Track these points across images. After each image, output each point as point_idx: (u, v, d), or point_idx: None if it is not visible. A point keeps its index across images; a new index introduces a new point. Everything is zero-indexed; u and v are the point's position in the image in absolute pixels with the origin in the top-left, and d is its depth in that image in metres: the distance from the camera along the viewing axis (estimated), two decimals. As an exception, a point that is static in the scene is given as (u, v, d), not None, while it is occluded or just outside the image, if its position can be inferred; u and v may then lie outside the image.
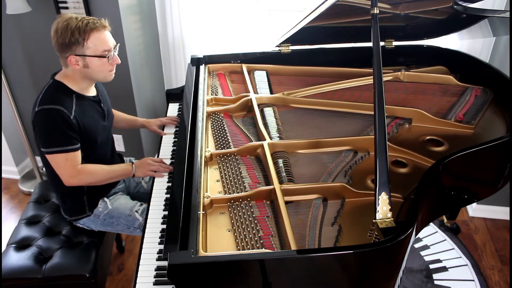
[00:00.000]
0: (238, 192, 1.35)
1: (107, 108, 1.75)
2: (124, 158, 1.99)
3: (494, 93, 1.87)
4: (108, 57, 1.53)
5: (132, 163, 1.73)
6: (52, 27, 1.50)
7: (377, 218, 1.12)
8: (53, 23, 1.50)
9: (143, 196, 1.93)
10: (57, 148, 1.50)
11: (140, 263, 1.34)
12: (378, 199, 1.13)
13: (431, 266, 2.21)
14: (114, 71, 1.61)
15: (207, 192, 1.34)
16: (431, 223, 2.39)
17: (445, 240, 2.38)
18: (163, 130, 2.05)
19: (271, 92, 1.95)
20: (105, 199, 1.76)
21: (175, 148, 1.93)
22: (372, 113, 1.27)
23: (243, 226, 1.22)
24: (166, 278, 1.02)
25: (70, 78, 1.57)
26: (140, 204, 1.77)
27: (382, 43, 2.08)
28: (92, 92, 1.66)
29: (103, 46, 1.51)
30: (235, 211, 1.28)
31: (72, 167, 1.54)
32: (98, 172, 1.62)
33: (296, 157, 1.54)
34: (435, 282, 2.12)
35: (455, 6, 1.79)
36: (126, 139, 2.80)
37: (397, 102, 1.85)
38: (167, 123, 2.06)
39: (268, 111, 1.78)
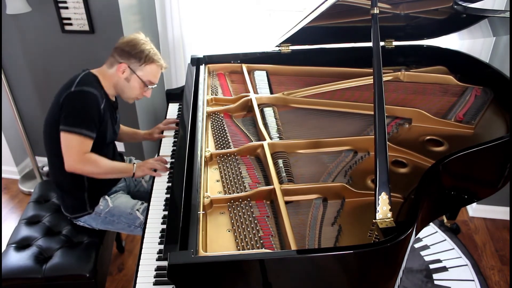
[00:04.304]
0: (238, 192, 1.35)
1: (118, 117, 1.82)
2: (125, 157, 1.99)
3: (494, 93, 1.87)
4: (146, 87, 1.70)
5: (134, 163, 1.73)
6: (128, 36, 1.67)
7: (377, 218, 1.12)
8: (134, 34, 1.68)
9: (143, 195, 1.93)
10: (77, 128, 1.52)
11: (140, 263, 1.34)
12: (378, 199, 1.13)
13: (431, 266, 2.21)
14: (137, 100, 1.77)
15: (207, 192, 1.34)
16: (431, 223, 2.39)
17: (445, 240, 2.38)
18: (162, 133, 2.06)
19: (271, 92, 1.95)
20: (106, 197, 1.77)
21: (175, 148, 1.93)
22: (372, 113, 1.27)
23: (243, 226, 1.22)
24: (166, 278, 1.02)
25: (104, 78, 1.66)
26: (141, 203, 1.77)
27: (382, 43, 2.08)
28: (113, 98, 1.75)
29: (151, 78, 1.69)
30: (235, 211, 1.28)
31: (81, 152, 1.55)
32: (102, 164, 1.62)
33: (296, 157, 1.54)
34: (435, 282, 2.12)
35: (455, 6, 1.79)
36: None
37: (397, 102, 1.85)
38: (165, 128, 2.06)
39: (268, 111, 1.78)
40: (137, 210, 1.73)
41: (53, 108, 1.60)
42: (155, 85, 1.73)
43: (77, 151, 1.54)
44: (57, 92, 1.60)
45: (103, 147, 1.69)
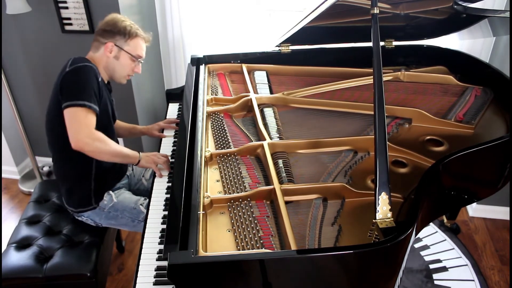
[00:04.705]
0: (238, 192, 1.35)
1: (114, 100, 1.83)
2: None
3: (494, 93, 1.87)
4: (136, 62, 1.73)
5: (140, 152, 1.73)
6: (107, 16, 1.70)
7: (377, 218, 1.12)
8: (111, 14, 1.71)
9: (143, 193, 1.94)
10: (80, 101, 1.50)
11: (140, 263, 1.34)
12: (378, 199, 1.13)
13: (431, 266, 2.21)
14: (130, 78, 1.79)
15: (207, 192, 1.34)
16: (431, 223, 2.39)
17: (445, 240, 2.38)
18: (163, 132, 2.06)
19: (271, 92, 1.95)
20: (110, 192, 1.77)
21: (175, 148, 1.93)
22: (372, 113, 1.27)
23: (243, 226, 1.22)
24: (166, 278, 1.02)
25: (94, 63, 1.65)
26: (144, 198, 1.78)
27: (382, 43, 2.08)
28: (106, 81, 1.76)
29: (139, 52, 1.73)
30: (235, 211, 1.28)
31: (90, 126, 1.53)
32: (111, 143, 1.59)
33: (296, 157, 1.54)
34: (435, 282, 2.12)
35: (455, 6, 1.79)
36: (126, 139, 2.80)
37: (397, 102, 1.85)
38: (165, 127, 2.06)
39: (268, 111, 1.78)
40: (141, 204, 1.74)
41: (52, 98, 1.61)
42: (143, 60, 1.76)
43: (84, 124, 1.51)
44: (54, 84, 1.62)
45: (104, 128, 1.66)
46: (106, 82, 1.76)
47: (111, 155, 1.60)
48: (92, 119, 1.54)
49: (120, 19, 1.68)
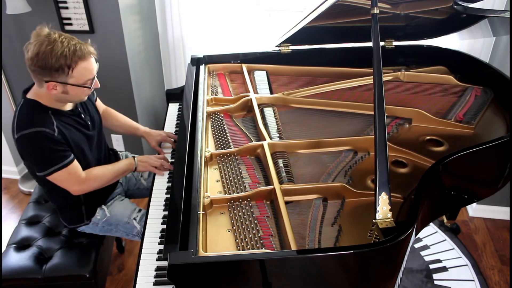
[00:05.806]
0: (238, 192, 1.35)
1: (90, 117, 1.65)
2: (120, 153, 1.97)
3: (494, 93, 1.87)
4: (89, 85, 1.46)
5: (134, 157, 1.73)
6: (30, 47, 1.34)
7: (377, 218, 1.12)
8: (32, 42, 1.34)
9: (144, 192, 1.94)
10: (54, 167, 1.44)
11: (140, 263, 1.34)
12: (378, 199, 1.13)
13: (431, 266, 2.21)
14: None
15: (207, 192, 1.34)
16: (431, 223, 2.39)
17: (445, 240, 2.38)
18: (160, 146, 1.93)
19: (271, 92, 1.95)
20: (103, 206, 1.74)
21: (175, 148, 1.92)
22: (372, 113, 1.27)
23: (243, 226, 1.22)
24: (166, 278, 1.02)
25: (43, 97, 1.47)
26: (139, 209, 1.76)
27: (382, 43, 2.08)
28: (68, 107, 1.54)
29: (87, 76, 1.43)
30: (235, 211, 1.28)
31: (77, 177, 1.52)
32: (105, 174, 1.61)
33: (296, 157, 1.54)
34: (435, 282, 2.12)
35: (455, 6, 1.79)
36: (126, 139, 2.80)
37: (397, 102, 1.85)
38: (166, 140, 1.91)
39: (268, 111, 1.78)
40: (134, 219, 1.72)
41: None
42: (96, 76, 1.47)
43: (72, 180, 1.51)
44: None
45: (89, 155, 1.62)
46: (71, 106, 1.56)
47: (110, 180, 1.64)
48: (75, 169, 1.49)
49: (47, 50, 1.31)
